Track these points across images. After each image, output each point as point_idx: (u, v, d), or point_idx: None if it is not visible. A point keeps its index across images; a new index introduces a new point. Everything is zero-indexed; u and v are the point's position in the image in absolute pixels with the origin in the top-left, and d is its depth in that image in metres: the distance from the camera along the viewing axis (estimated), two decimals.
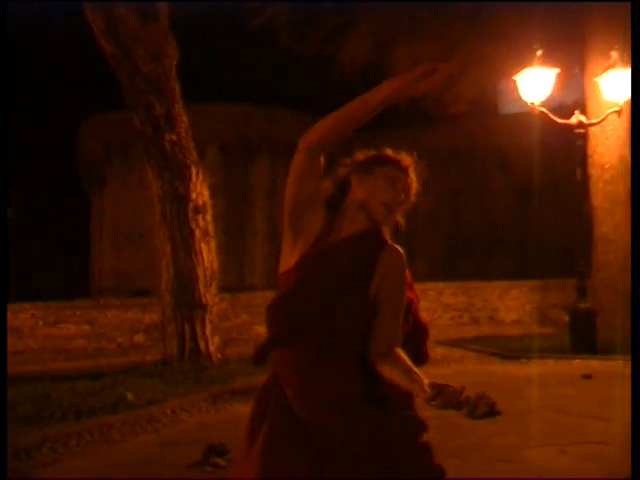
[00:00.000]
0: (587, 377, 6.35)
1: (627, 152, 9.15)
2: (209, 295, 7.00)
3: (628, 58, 8.63)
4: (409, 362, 1.60)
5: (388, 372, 1.59)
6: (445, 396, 1.51)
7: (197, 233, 6.98)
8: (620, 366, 7.01)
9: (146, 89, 6.76)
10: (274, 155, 17.49)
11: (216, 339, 7.03)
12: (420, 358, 1.73)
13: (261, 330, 10.40)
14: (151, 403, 5.48)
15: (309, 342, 1.60)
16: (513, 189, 16.57)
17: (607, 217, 9.32)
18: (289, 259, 1.66)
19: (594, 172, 9.41)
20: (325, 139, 1.69)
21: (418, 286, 1.91)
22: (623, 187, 9.15)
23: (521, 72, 7.96)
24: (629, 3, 6.35)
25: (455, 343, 9.16)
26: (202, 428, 4.92)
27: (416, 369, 1.58)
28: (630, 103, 2.66)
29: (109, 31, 6.63)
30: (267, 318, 1.69)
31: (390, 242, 1.69)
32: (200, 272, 6.96)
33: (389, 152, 1.77)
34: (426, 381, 1.52)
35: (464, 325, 11.49)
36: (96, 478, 3.91)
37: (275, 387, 1.65)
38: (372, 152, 1.78)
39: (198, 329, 6.88)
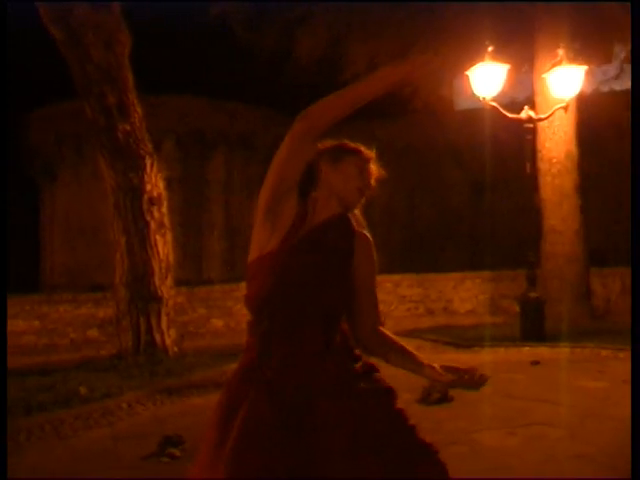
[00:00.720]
0: (535, 363, 6.57)
1: (573, 147, 9.66)
2: (165, 288, 6.93)
3: (574, 55, 8.99)
4: (402, 343, 1.74)
5: (393, 359, 1.72)
6: (461, 378, 1.65)
7: (152, 225, 6.89)
8: (566, 352, 7.30)
9: (98, 78, 6.61)
10: (231, 149, 17.37)
11: (172, 332, 6.97)
12: (344, 348, 1.74)
13: (218, 324, 10.34)
14: (105, 397, 5.40)
15: (294, 331, 1.63)
16: (467, 183, 16.91)
17: (555, 209, 9.64)
18: (265, 245, 1.67)
19: (543, 166, 9.69)
20: (326, 122, 1.67)
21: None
22: (570, 180, 9.62)
23: (473, 67, 8.11)
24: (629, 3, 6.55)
25: (411, 334, 9.31)
26: (158, 420, 4.88)
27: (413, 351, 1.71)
28: (630, 101, 2.82)
29: (58, 17, 6.45)
30: (256, 309, 1.65)
31: (358, 229, 1.77)
32: (155, 265, 6.88)
33: (351, 144, 1.82)
34: (436, 365, 1.66)
35: (420, 316, 11.69)
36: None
37: (248, 381, 1.62)
38: (336, 142, 1.82)
39: (154, 322, 6.81)
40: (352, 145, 1.81)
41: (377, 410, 1.64)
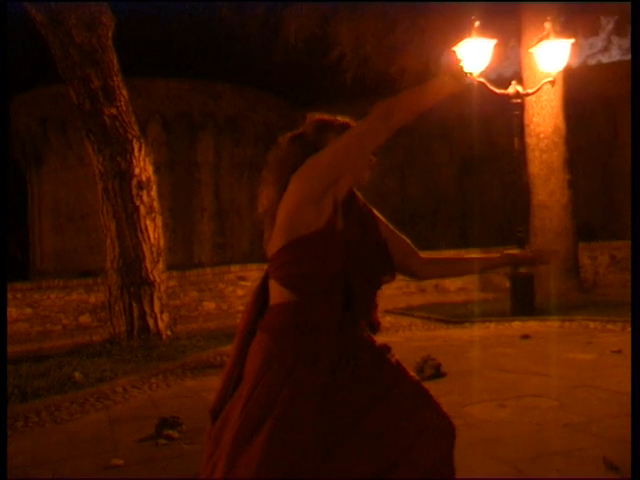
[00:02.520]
0: (525, 337, 6.66)
1: (561, 121, 9.67)
2: (156, 272, 6.93)
3: (560, 29, 8.96)
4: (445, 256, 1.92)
5: (456, 270, 2.03)
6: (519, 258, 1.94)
7: (142, 209, 6.86)
8: (555, 326, 7.40)
9: (81, 61, 6.51)
10: (219, 131, 17.24)
11: (165, 316, 6.99)
12: (372, 327, 1.80)
13: (210, 306, 10.36)
14: (100, 381, 5.43)
15: (367, 303, 1.76)
16: (456, 160, 16.93)
17: (543, 184, 9.70)
18: (307, 225, 1.65)
19: (531, 141, 9.72)
20: (401, 114, 1.69)
21: None
22: (558, 155, 9.64)
23: (460, 43, 8.07)
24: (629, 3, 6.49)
25: (402, 312, 9.41)
26: (154, 403, 4.92)
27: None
28: (631, 101, 2.85)
29: None
30: (320, 285, 1.66)
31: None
32: (146, 249, 6.86)
33: (342, 118, 1.83)
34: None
35: (411, 294, 11.77)
36: None
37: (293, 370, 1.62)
38: (331, 118, 1.81)
39: (146, 307, 6.82)
40: (349, 121, 1.80)
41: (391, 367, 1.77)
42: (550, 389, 4.50)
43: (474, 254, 1.87)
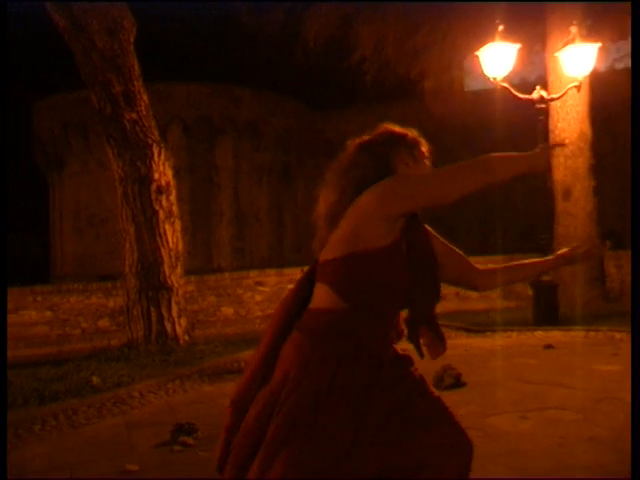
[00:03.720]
0: (548, 347, 6.51)
1: (587, 127, 9.49)
2: (174, 277, 6.92)
3: (587, 32, 8.79)
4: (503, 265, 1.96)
5: (517, 276, 1.98)
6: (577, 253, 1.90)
7: (161, 214, 6.86)
8: (580, 336, 7.23)
9: (103, 66, 6.55)
10: (238, 135, 17.29)
11: (183, 321, 6.97)
12: (396, 335, 1.80)
13: (228, 311, 10.34)
14: (117, 386, 5.42)
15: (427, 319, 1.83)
16: None
17: (568, 192, 9.43)
18: (374, 240, 1.66)
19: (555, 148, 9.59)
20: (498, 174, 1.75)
21: None
22: (583, 161, 9.46)
23: (483, 48, 7.98)
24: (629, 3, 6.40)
25: None
26: (170, 409, 4.89)
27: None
28: (631, 102, 2.80)
29: (61, 4, 6.38)
30: (384, 298, 1.69)
31: None
32: (165, 254, 6.86)
33: (412, 132, 1.83)
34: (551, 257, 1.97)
35: None
36: None
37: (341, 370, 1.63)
38: (402, 131, 1.80)
39: (164, 311, 6.81)
40: (418, 137, 1.82)
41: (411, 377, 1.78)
42: (574, 401, 4.38)
43: (520, 261, 1.88)
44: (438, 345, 1.82)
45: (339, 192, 1.73)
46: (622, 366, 5.47)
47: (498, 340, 7.32)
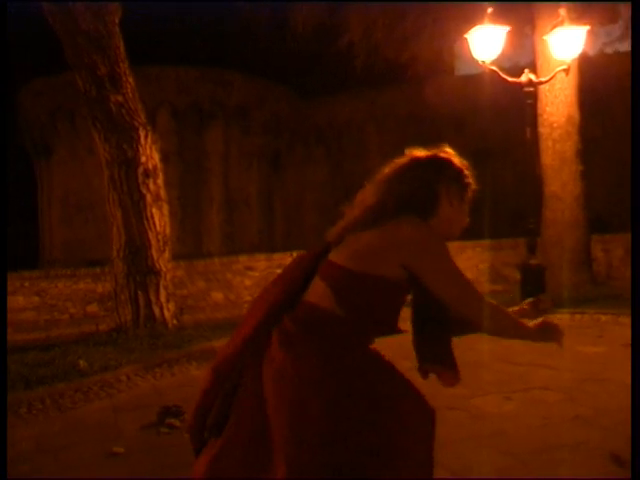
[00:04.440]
0: None
1: (575, 111, 9.48)
2: (162, 261, 6.89)
3: (576, 16, 8.72)
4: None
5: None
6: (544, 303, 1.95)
7: (148, 198, 6.81)
8: (566, 319, 7.29)
9: (88, 47, 6.45)
10: (228, 121, 17.17)
11: (171, 305, 6.95)
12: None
13: (217, 297, 10.32)
14: (104, 370, 5.41)
15: None
16: (468, 150, 16.75)
17: (556, 175, 9.51)
18: (392, 273, 1.72)
19: (544, 131, 9.51)
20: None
21: None
22: (571, 145, 9.44)
23: (472, 30, 7.89)
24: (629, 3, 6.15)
25: (409, 304, 9.30)
26: (157, 392, 4.89)
27: None
28: (631, 102, 2.84)
29: None
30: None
31: None
32: (152, 237, 6.82)
33: (465, 169, 1.82)
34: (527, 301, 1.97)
35: None
36: None
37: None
38: (450, 160, 1.80)
39: (152, 296, 6.78)
40: (470, 177, 1.81)
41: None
42: (558, 382, 4.42)
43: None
44: (451, 376, 1.90)
45: (378, 200, 1.73)
46: (607, 347, 5.53)
47: None
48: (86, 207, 16.66)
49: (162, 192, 6.93)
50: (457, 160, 1.80)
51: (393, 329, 1.78)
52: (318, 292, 1.71)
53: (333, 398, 1.60)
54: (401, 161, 1.79)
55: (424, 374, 1.87)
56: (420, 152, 1.80)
